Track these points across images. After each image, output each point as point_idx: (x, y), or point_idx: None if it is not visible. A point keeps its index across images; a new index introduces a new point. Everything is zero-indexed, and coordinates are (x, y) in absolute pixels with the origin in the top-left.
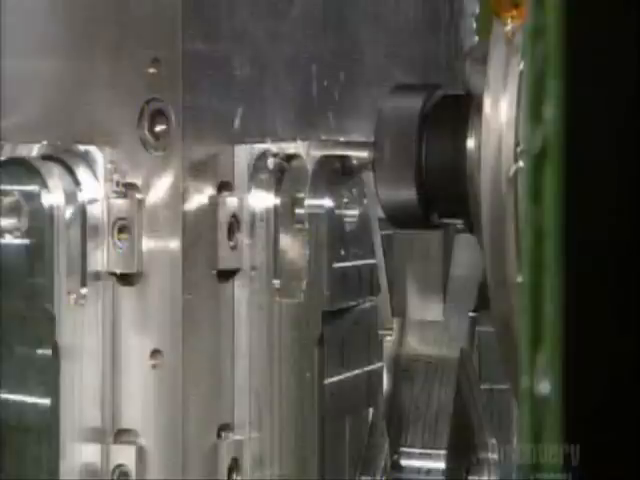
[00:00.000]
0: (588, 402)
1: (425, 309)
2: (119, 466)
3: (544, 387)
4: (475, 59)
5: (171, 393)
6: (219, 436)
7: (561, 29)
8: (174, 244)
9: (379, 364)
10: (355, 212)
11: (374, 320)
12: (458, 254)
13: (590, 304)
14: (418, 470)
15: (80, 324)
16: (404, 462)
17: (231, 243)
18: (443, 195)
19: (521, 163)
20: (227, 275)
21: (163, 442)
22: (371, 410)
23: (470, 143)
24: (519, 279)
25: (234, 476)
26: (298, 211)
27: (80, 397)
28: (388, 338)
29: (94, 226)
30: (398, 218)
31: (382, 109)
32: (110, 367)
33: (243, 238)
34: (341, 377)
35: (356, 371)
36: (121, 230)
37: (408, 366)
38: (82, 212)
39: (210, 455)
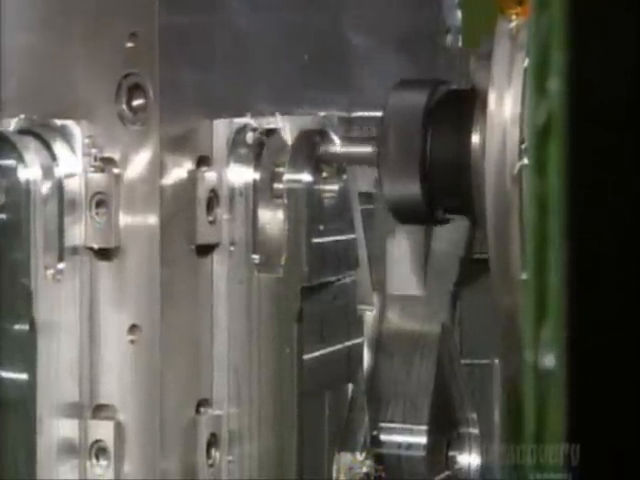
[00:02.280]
0: (591, 376)
1: (406, 284)
2: (97, 441)
3: (549, 360)
4: (480, 55)
5: (149, 368)
6: (198, 411)
7: (565, 2)
8: (152, 219)
9: (359, 339)
10: (334, 187)
11: (353, 295)
12: (439, 229)
13: (593, 278)
14: (399, 445)
15: (57, 299)
16: (384, 437)
17: (210, 218)
18: (447, 190)
19: (526, 160)
20: (206, 250)
21: (141, 417)
22: (350, 385)
23: (474, 138)
24: (524, 276)
25: (213, 451)
26: (277, 186)
27: (58, 372)
28: (368, 313)
29: (71, 201)
30: (402, 213)
31: (387, 104)
32: (88, 342)
33: (222, 213)
34: (320, 352)
35: (335, 346)
36: (99, 205)
37: (389, 341)
38: (59, 187)
39: (189, 430)
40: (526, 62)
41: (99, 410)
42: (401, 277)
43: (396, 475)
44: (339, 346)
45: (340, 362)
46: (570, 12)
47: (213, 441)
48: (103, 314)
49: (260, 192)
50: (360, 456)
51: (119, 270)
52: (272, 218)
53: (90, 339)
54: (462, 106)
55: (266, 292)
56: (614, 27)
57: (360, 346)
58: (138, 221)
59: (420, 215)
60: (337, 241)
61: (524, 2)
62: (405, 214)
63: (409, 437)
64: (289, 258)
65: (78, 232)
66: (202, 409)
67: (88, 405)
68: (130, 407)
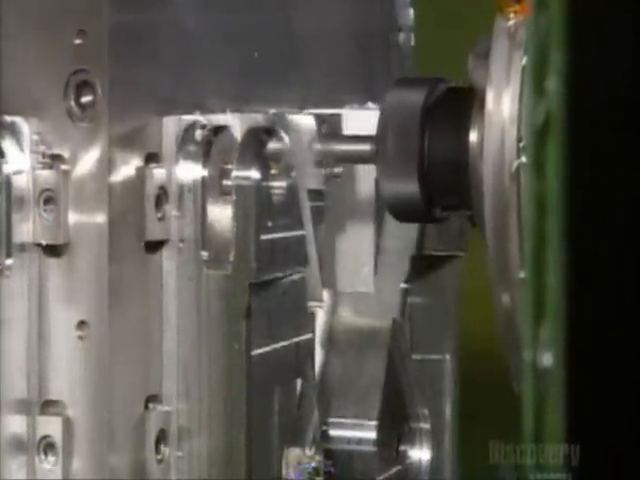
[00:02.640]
0: (590, 376)
1: (356, 281)
2: (45, 437)
3: (547, 360)
4: (478, 54)
5: (98, 365)
6: (147, 407)
7: (564, 2)
8: (100, 216)
9: (308, 335)
10: (283, 184)
11: (303, 292)
12: (389, 225)
13: (592, 277)
14: (348, 440)
15: (6, 295)
16: (334, 432)
17: (159, 214)
18: (446, 188)
19: (524, 159)
20: (155, 246)
21: (90, 413)
22: (300, 381)
23: (472, 137)
24: (521, 274)
25: (162, 447)
26: (226, 183)
27: (6, 368)
28: (320, 310)
29: (19, 197)
30: (401, 211)
31: (385, 103)
32: (36, 338)
33: (171, 210)
34: (269, 348)
35: (284, 342)
36: (47, 201)
37: (339, 337)
38: (7, 183)
39: (138, 426)
40: (524, 60)
41: (47, 406)
42: (351, 274)
43: (346, 470)
44: (288, 342)
45: (289, 358)
46: (569, 12)
47: (162, 437)
48: (52, 310)
49: (209, 189)
50: (309, 451)
51: (68, 267)
52: (221, 215)
53: (39, 335)
54: (460, 104)
55: (215, 288)
56: (612, 27)
57: (310, 342)
58: (87, 218)
59: (418, 213)
60: (286, 238)
61: (522, 1)
62: (403, 212)
63: (359, 432)
64: (237, 255)
65: (26, 229)
66: (151, 405)
67: (37, 401)
68: (79, 403)
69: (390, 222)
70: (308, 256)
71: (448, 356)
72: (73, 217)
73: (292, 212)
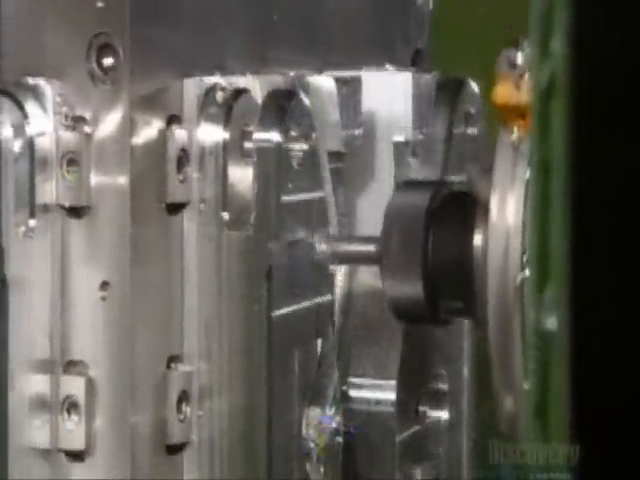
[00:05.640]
0: (595, 338)
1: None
2: (68, 397)
3: (551, 323)
4: (482, 167)
5: (120, 325)
6: (168, 367)
7: None
8: (122, 177)
9: (328, 296)
10: (303, 146)
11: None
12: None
13: (596, 240)
14: (368, 401)
15: (29, 256)
16: (353, 393)
17: (180, 176)
18: (450, 292)
19: (527, 272)
20: (176, 208)
21: (112, 373)
22: (320, 341)
23: (476, 242)
24: (525, 386)
25: (183, 407)
26: (247, 145)
27: (29, 329)
28: (338, 271)
29: (43, 159)
30: (405, 312)
31: (390, 204)
32: (59, 299)
33: (192, 171)
34: (289, 309)
35: (304, 303)
36: (70, 163)
37: (359, 298)
38: (30, 145)
39: (159, 386)
40: (528, 174)
41: (70, 366)
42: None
43: (366, 430)
44: (308, 303)
45: (310, 318)
46: None
47: (183, 397)
48: (74, 271)
49: (230, 151)
50: (329, 411)
51: (90, 228)
52: (242, 177)
53: (61, 296)
54: (464, 208)
55: (236, 249)
56: None
57: (330, 303)
58: (109, 179)
59: (423, 315)
60: (306, 199)
61: (526, 116)
62: (407, 313)
63: (378, 393)
64: (258, 216)
65: (49, 190)
66: (173, 365)
67: (59, 361)
68: (101, 363)
69: None
70: (328, 217)
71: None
72: (95, 179)
73: (312, 174)
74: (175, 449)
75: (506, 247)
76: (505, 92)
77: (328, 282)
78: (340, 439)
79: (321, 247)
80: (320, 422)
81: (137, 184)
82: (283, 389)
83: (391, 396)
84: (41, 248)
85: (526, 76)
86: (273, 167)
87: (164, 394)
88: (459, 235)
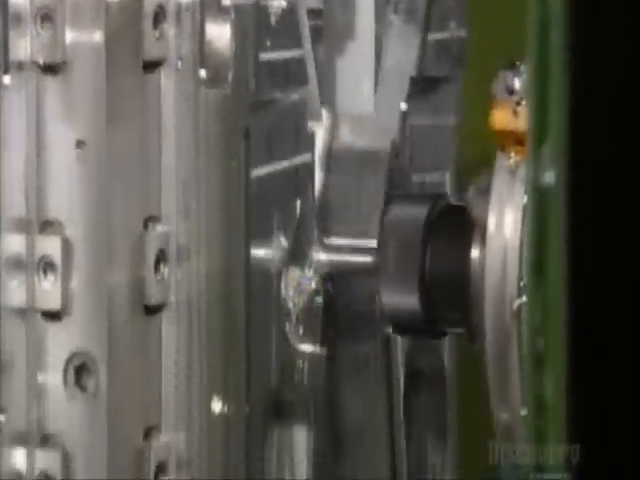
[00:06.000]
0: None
1: (355, 99)
2: (44, 257)
3: (549, 177)
4: (479, 189)
5: (96, 183)
6: (146, 227)
7: None
8: (97, 34)
9: (307, 156)
10: (282, 3)
11: (302, 112)
12: (390, 44)
13: (594, 90)
14: (347, 260)
15: (3, 114)
16: (332, 254)
17: (156, 33)
18: (446, 305)
19: (524, 298)
20: (153, 65)
21: (89, 233)
22: (299, 202)
23: (474, 254)
24: (523, 412)
25: (161, 267)
26: (224, 1)
27: (4, 187)
28: (318, 131)
29: (16, 15)
30: (401, 324)
31: (387, 217)
32: (35, 158)
33: (169, 28)
34: (268, 168)
35: (283, 162)
36: (44, 19)
37: (339, 158)
38: (4, 1)
39: (137, 246)
40: (525, 199)
41: (46, 225)
42: (351, 93)
43: (344, 290)
44: (287, 162)
45: (289, 178)
46: None
47: (161, 257)
48: (49, 130)
49: (207, 7)
50: (309, 272)
51: (65, 85)
52: (219, 34)
53: (37, 156)
54: (462, 222)
55: (213, 108)
56: None
57: (310, 162)
58: (84, 36)
59: (419, 327)
60: (285, 57)
61: (524, 142)
62: (404, 325)
63: (358, 253)
64: (236, 74)
65: (23, 47)
66: (150, 224)
67: (35, 221)
68: (77, 222)
69: (390, 40)
70: (307, 75)
71: (447, 175)
72: (70, 35)
73: (291, 31)
74: (153, 310)
75: (504, 260)
76: (503, 118)
77: (307, 141)
78: (320, 299)
79: (318, 256)
80: (299, 283)
81: (112, 40)
82: (261, 248)
83: (369, 259)
84: (15, 105)
85: (523, 102)
86: (251, 24)
87: (142, 254)
88: (456, 248)
